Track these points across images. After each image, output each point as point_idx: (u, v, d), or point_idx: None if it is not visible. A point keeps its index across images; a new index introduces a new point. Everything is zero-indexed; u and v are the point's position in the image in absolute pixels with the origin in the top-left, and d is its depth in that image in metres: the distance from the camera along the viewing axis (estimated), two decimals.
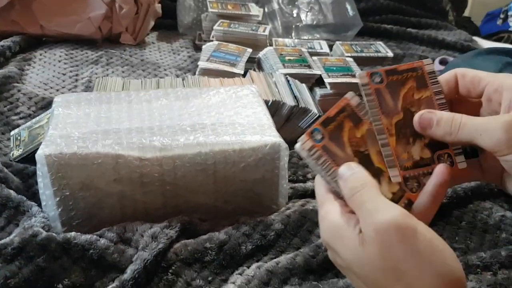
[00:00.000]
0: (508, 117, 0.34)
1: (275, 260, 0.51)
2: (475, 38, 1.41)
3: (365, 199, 0.33)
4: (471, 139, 0.34)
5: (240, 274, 0.50)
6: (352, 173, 0.35)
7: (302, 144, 0.37)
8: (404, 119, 0.38)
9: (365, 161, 0.37)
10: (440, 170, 0.36)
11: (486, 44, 1.34)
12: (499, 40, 1.67)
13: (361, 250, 0.32)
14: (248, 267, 0.51)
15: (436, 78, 0.39)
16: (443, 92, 0.39)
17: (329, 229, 0.35)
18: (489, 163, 0.38)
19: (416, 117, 0.37)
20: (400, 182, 0.37)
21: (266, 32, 1.10)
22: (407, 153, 0.38)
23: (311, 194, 0.64)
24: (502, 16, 1.83)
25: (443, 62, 1.13)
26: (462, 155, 0.38)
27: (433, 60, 1.16)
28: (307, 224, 0.56)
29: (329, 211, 0.35)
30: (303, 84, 0.85)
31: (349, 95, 0.38)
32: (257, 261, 0.52)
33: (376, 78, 0.38)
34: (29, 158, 0.68)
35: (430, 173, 0.37)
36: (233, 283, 0.49)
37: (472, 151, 0.39)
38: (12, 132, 0.75)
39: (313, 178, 0.67)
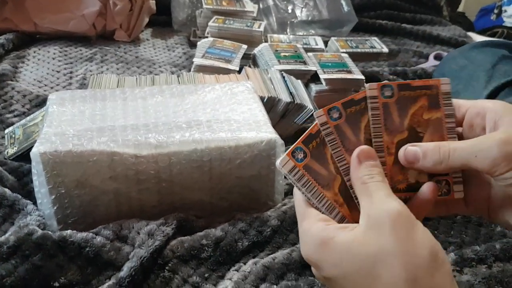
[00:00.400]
0: (501, 134, 0.33)
1: (271, 256, 0.51)
2: (469, 33, 1.42)
3: (379, 188, 0.34)
4: (465, 163, 0.34)
5: (237, 270, 0.51)
6: (374, 161, 0.35)
7: (319, 112, 0.36)
8: (407, 139, 0.37)
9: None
10: (427, 188, 0.36)
11: (480, 39, 1.34)
12: (493, 35, 1.68)
13: (357, 244, 0.32)
14: (245, 263, 0.51)
15: (450, 100, 0.37)
16: (455, 116, 0.37)
17: (313, 242, 0.34)
18: (473, 196, 0.38)
19: (401, 152, 0.36)
20: None
21: (261, 28, 1.10)
22: (402, 175, 0.37)
23: None
24: (496, 11, 1.83)
25: (437, 57, 1.13)
26: (461, 184, 0.37)
27: (428, 55, 1.16)
28: None
29: (311, 225, 0.35)
30: (299, 80, 0.85)
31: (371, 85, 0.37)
32: (254, 257, 0.52)
33: (387, 91, 0.37)
34: (24, 156, 0.67)
35: None
36: (230, 279, 0.49)
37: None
38: (7, 130, 0.75)
39: None
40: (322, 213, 0.36)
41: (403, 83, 0.37)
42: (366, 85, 0.37)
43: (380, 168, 0.35)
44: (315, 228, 0.35)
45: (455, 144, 0.35)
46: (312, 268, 0.37)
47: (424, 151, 0.35)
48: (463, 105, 0.37)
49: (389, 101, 0.37)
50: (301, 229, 0.36)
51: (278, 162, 0.36)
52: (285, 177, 0.37)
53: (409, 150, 0.36)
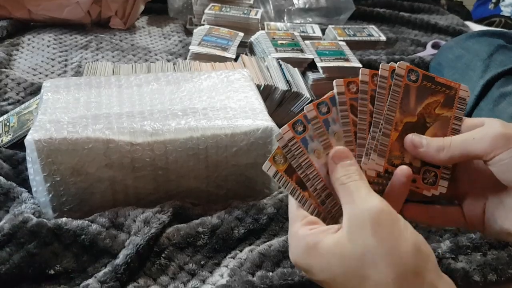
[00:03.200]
0: (499, 122, 0.35)
1: (267, 243, 0.51)
2: (467, 22, 1.41)
3: (358, 188, 0.35)
4: (465, 148, 0.36)
5: (233, 257, 0.51)
6: (349, 160, 0.36)
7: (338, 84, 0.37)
8: (415, 123, 0.39)
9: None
10: (400, 172, 0.37)
11: (477, 28, 1.34)
12: (490, 24, 1.67)
13: (341, 246, 0.32)
14: (241, 251, 0.51)
15: (464, 106, 0.39)
16: (462, 121, 0.39)
17: (299, 247, 0.35)
18: (470, 209, 0.40)
19: (407, 138, 0.38)
20: (381, 172, 0.38)
21: (258, 16, 1.09)
22: (400, 152, 0.38)
23: None
24: (494, 0, 1.82)
25: (435, 46, 1.13)
26: (447, 181, 0.39)
27: (426, 44, 1.16)
28: None
29: (297, 230, 0.35)
30: (296, 69, 0.84)
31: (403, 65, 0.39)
32: (250, 244, 0.53)
33: (412, 76, 0.39)
34: (19, 144, 0.67)
35: None
36: (226, 266, 0.50)
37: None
38: (1, 118, 0.74)
39: None
40: (311, 213, 0.37)
41: (428, 75, 0.39)
42: (398, 63, 0.39)
43: (356, 166, 0.36)
44: (301, 233, 0.35)
45: (456, 136, 0.38)
46: (303, 271, 0.37)
47: (428, 141, 0.38)
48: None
49: (412, 84, 0.39)
50: (289, 233, 0.37)
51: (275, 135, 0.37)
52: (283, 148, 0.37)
53: (416, 137, 0.38)
